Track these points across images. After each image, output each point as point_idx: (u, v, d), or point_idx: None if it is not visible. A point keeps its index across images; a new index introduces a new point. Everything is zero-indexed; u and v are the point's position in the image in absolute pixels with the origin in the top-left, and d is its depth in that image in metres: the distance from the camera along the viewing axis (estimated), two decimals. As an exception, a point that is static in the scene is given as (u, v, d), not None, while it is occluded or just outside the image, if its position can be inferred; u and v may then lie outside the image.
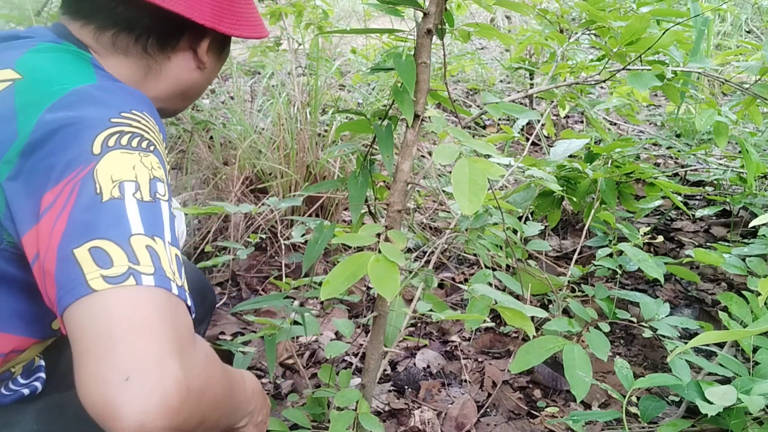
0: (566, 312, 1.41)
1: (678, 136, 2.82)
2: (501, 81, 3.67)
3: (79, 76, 0.69)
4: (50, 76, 0.68)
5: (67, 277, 0.54)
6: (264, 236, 1.93)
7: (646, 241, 1.54)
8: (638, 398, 1.21)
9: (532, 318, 1.01)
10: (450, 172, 1.39)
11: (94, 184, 0.58)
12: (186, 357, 0.54)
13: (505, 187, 2.13)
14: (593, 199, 1.74)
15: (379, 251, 0.81)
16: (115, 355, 0.51)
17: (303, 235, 1.40)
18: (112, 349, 0.51)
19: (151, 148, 0.65)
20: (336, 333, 1.63)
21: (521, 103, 2.80)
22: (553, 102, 1.81)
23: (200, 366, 0.56)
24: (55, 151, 0.61)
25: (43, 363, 0.81)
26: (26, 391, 0.78)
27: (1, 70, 0.69)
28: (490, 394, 1.41)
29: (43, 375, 0.81)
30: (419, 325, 1.65)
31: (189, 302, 0.59)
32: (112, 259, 0.55)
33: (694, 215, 2.18)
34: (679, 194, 2.09)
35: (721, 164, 2.27)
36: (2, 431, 0.71)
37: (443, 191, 1.97)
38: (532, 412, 1.36)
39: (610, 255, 1.51)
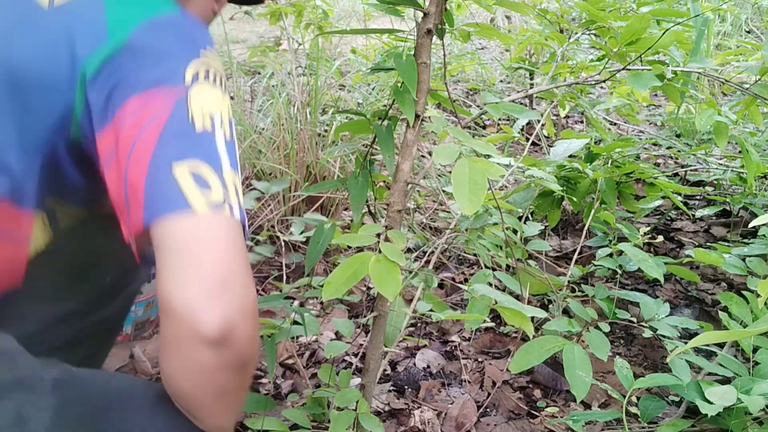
0: (566, 312, 1.41)
1: (678, 136, 2.82)
2: (501, 81, 3.67)
3: (166, 2, 0.71)
4: None
5: (163, 188, 0.57)
6: (264, 236, 1.93)
7: (646, 241, 1.54)
8: (638, 398, 1.21)
9: (532, 318, 1.01)
10: (450, 172, 1.39)
11: (187, 110, 0.61)
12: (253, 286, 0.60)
13: (505, 187, 2.13)
14: (593, 199, 1.74)
15: (380, 251, 0.81)
16: (208, 266, 0.55)
17: (302, 232, 1.40)
18: (206, 261, 0.55)
19: (226, 89, 0.68)
20: (336, 333, 1.63)
21: (521, 103, 2.80)
22: (553, 102, 1.81)
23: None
24: (146, 63, 0.63)
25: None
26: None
27: None
28: (490, 394, 1.41)
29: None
30: (419, 325, 1.65)
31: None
32: (210, 185, 0.58)
33: (694, 215, 2.18)
34: (679, 194, 2.09)
35: (721, 164, 2.27)
36: (16, 393, 0.66)
37: (443, 191, 1.97)
38: (532, 412, 1.36)
39: (610, 255, 1.51)
